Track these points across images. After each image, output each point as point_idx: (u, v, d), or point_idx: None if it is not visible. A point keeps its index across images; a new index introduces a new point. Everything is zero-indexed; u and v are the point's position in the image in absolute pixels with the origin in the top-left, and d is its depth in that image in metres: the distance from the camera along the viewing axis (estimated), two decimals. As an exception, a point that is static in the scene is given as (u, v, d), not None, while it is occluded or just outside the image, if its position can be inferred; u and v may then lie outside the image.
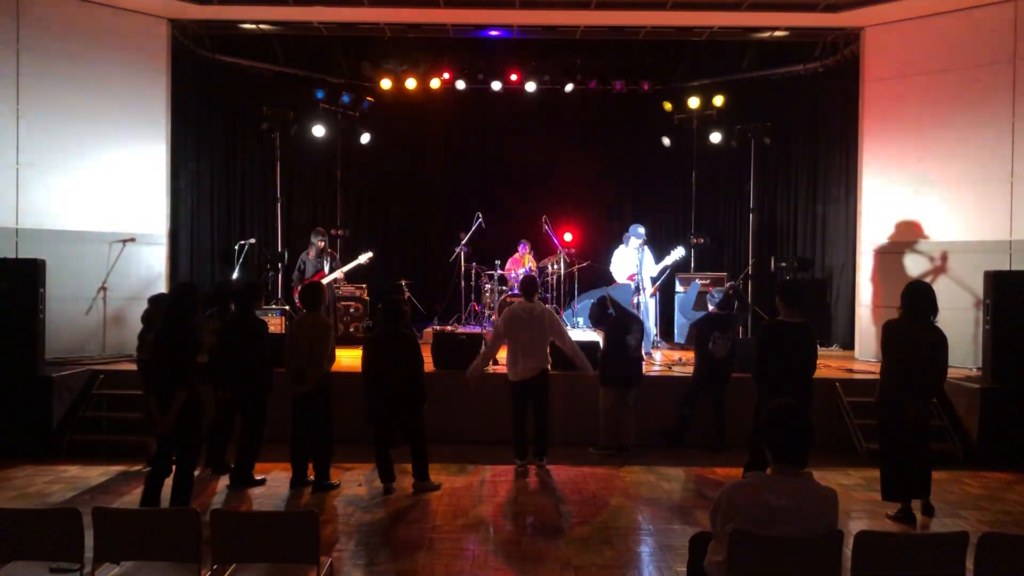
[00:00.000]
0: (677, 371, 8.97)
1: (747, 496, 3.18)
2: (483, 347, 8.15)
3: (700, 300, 10.74)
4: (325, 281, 10.39)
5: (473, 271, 11.79)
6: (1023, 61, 9.01)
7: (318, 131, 12.18)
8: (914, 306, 5.87)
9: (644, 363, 8.25)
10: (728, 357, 8.00)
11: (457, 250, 11.77)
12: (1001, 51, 9.16)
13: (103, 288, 9.63)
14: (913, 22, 9.79)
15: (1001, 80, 9.16)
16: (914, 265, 9.72)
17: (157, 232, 10.17)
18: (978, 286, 8.36)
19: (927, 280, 7.30)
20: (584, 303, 11.71)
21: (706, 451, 7.84)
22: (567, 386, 8.09)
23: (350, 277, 11.59)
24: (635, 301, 9.75)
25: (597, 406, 7.85)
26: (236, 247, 11.53)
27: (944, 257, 9.55)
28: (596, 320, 8.20)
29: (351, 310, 11.30)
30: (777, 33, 11.04)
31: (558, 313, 11.60)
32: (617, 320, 7.91)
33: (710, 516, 3.35)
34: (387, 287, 11.89)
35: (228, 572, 3.70)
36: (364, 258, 11.16)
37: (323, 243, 10.98)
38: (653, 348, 10.12)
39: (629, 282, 9.85)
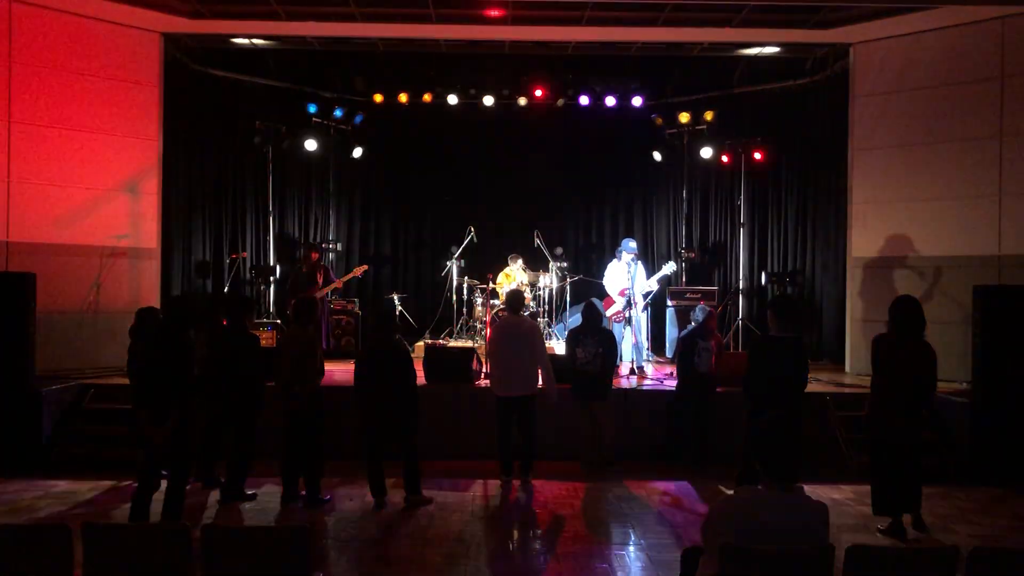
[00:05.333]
0: (668, 385, 8.97)
1: (738, 510, 3.19)
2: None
3: (683, 318, 10.69)
4: (318, 295, 10.39)
5: (465, 285, 11.80)
6: (1010, 78, 9.11)
7: (310, 145, 12.16)
8: (902, 321, 5.92)
9: (610, 377, 7.96)
10: (712, 372, 7.98)
11: (449, 264, 11.78)
12: (989, 68, 9.26)
13: (94, 301, 9.60)
14: (902, 39, 9.88)
15: (989, 96, 9.26)
16: (903, 280, 9.76)
17: (148, 246, 10.15)
18: (967, 301, 8.40)
19: (916, 295, 7.33)
20: (575, 317, 11.72)
21: (693, 465, 7.81)
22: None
23: (342, 291, 11.58)
24: (627, 315, 9.77)
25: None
26: (228, 260, 11.52)
27: (934, 272, 9.60)
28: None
29: (343, 323, 11.27)
30: (767, 49, 11.13)
31: (549, 327, 11.63)
32: (572, 333, 7.90)
33: (701, 531, 3.36)
34: (379, 300, 11.90)
35: (219, 588, 3.68)
36: (359, 271, 11.17)
37: (316, 257, 10.98)
38: (645, 362, 10.12)
39: (621, 297, 9.87)
